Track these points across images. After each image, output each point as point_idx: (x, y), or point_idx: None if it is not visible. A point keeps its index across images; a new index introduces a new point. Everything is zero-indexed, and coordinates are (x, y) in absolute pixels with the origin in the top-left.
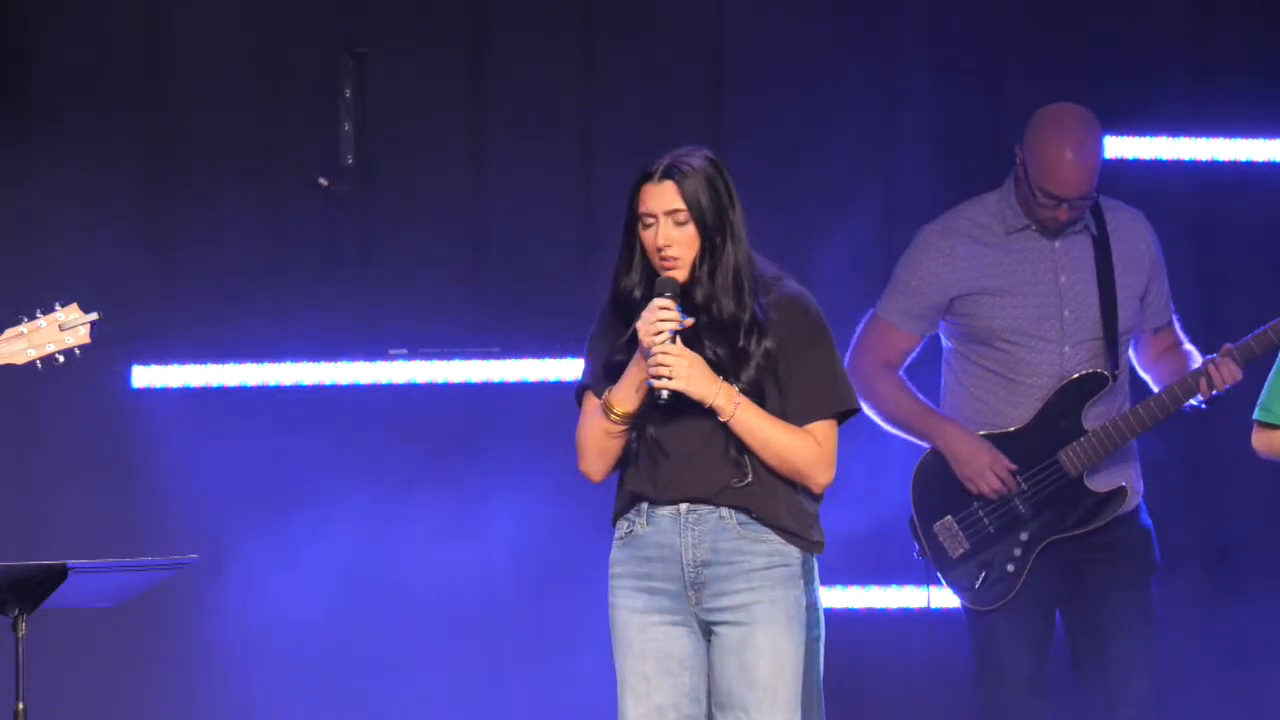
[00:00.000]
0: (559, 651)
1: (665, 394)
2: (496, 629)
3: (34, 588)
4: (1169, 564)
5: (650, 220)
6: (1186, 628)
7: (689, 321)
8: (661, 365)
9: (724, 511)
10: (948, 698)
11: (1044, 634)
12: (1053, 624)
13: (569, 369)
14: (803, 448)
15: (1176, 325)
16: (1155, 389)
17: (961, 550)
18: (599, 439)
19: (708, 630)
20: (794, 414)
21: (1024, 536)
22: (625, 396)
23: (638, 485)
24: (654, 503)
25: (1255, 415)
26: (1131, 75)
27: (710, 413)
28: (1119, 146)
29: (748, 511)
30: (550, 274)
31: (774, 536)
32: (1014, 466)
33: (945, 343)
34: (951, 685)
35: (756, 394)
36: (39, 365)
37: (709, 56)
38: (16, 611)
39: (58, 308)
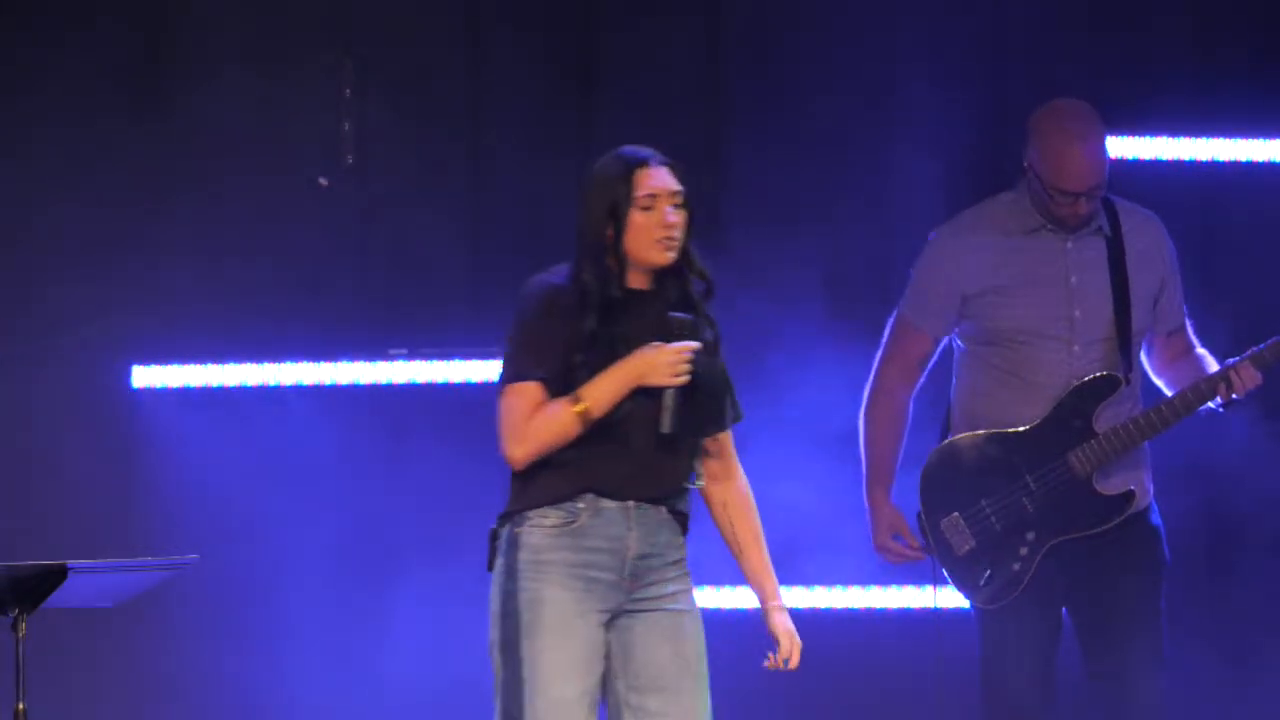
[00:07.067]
0: None
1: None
2: None
3: (34, 588)
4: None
5: (650, 201)
6: (1187, 628)
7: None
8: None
9: (664, 509)
10: (952, 699)
11: (1051, 634)
12: (1060, 624)
13: None
14: None
15: (1189, 329)
16: (1168, 393)
17: (967, 548)
18: (555, 434)
19: (620, 618)
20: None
21: (1030, 536)
22: (603, 404)
23: (589, 479)
24: (603, 495)
25: None
26: (1131, 75)
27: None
28: (1119, 146)
29: (682, 513)
30: None
31: (680, 530)
32: (918, 544)
33: (958, 343)
34: (956, 686)
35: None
36: None
37: (709, 56)
38: (16, 611)
39: None
